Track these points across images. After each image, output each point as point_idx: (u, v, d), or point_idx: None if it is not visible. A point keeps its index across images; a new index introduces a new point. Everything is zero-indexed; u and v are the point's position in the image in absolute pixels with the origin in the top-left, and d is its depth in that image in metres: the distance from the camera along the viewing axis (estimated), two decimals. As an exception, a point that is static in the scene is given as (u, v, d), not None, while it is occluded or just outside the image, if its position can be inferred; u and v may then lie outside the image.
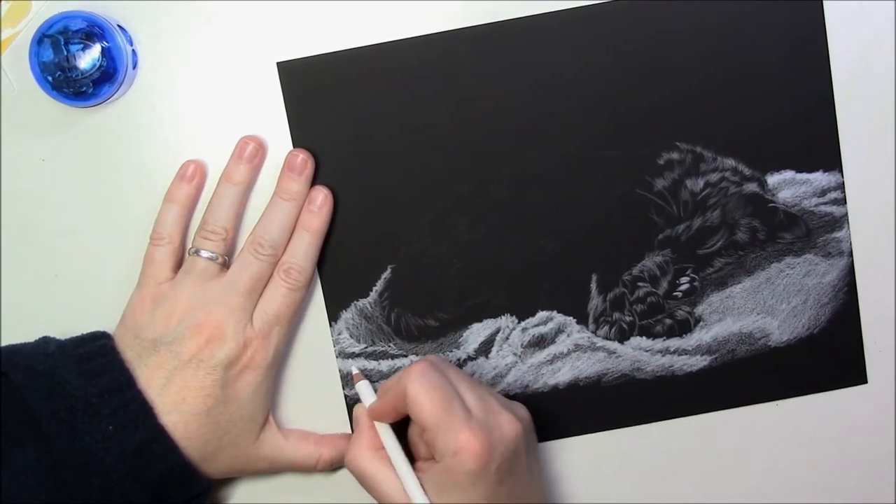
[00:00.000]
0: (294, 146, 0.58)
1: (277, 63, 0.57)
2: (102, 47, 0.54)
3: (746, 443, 0.61)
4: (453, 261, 0.59)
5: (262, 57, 0.57)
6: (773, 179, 0.59)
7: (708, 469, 0.62)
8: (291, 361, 0.59)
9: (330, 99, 0.57)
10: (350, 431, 0.60)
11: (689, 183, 0.59)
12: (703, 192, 0.59)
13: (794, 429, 0.61)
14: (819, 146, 0.59)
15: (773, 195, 0.59)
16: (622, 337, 0.60)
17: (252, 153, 0.56)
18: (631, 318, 0.60)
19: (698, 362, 0.60)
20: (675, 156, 0.59)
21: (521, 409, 0.54)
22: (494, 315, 0.60)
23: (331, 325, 0.59)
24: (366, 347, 0.59)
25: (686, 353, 0.60)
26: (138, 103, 0.58)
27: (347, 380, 0.59)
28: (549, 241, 0.59)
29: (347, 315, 0.59)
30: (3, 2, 0.56)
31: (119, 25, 0.56)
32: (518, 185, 0.59)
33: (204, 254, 0.55)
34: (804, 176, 0.59)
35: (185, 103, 0.58)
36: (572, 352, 0.60)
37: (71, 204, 0.58)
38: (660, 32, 0.58)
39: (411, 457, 0.55)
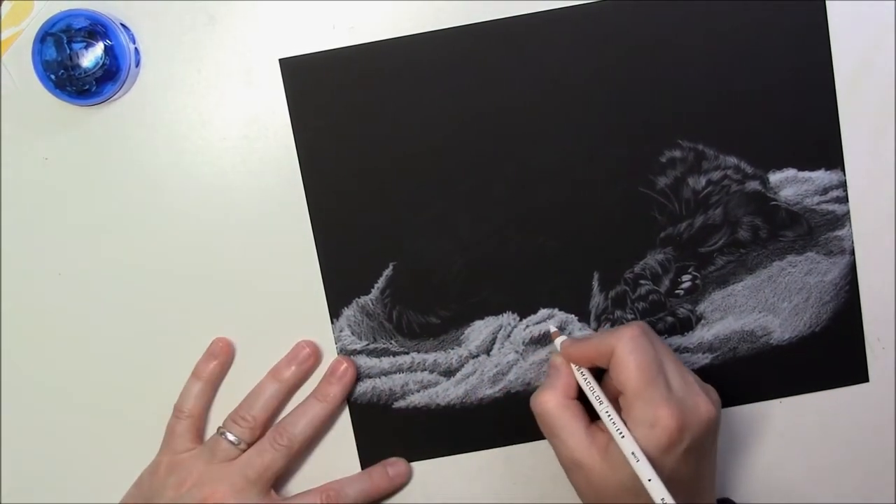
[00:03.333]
0: (296, 143, 0.58)
1: (280, 60, 0.57)
2: (105, 45, 0.54)
3: (747, 441, 0.61)
4: (455, 258, 0.59)
5: (265, 54, 0.57)
6: (775, 177, 0.59)
7: (709, 467, 0.62)
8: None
9: (332, 96, 0.57)
10: (354, 439, 0.60)
11: (691, 181, 0.59)
12: (706, 190, 0.59)
13: (795, 427, 0.61)
14: (821, 144, 0.59)
15: (776, 193, 0.59)
16: (624, 335, 0.60)
17: (305, 358, 0.59)
18: (633, 316, 0.60)
19: (700, 360, 0.60)
20: (677, 154, 0.59)
21: (715, 394, 0.54)
22: (496, 312, 0.60)
23: (332, 322, 0.59)
24: (367, 344, 0.59)
25: (688, 351, 0.60)
26: (141, 101, 0.58)
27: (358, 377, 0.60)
28: (551, 238, 0.59)
29: (349, 312, 0.59)
30: (5, 1, 0.56)
31: (122, 24, 0.56)
32: (520, 182, 0.59)
33: (229, 436, 0.57)
34: (806, 174, 0.59)
35: (188, 101, 0.58)
36: (574, 349, 0.60)
37: (74, 202, 0.58)
38: (662, 30, 0.58)
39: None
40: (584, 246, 0.59)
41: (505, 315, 0.60)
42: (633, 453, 0.49)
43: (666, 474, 0.50)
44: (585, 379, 0.54)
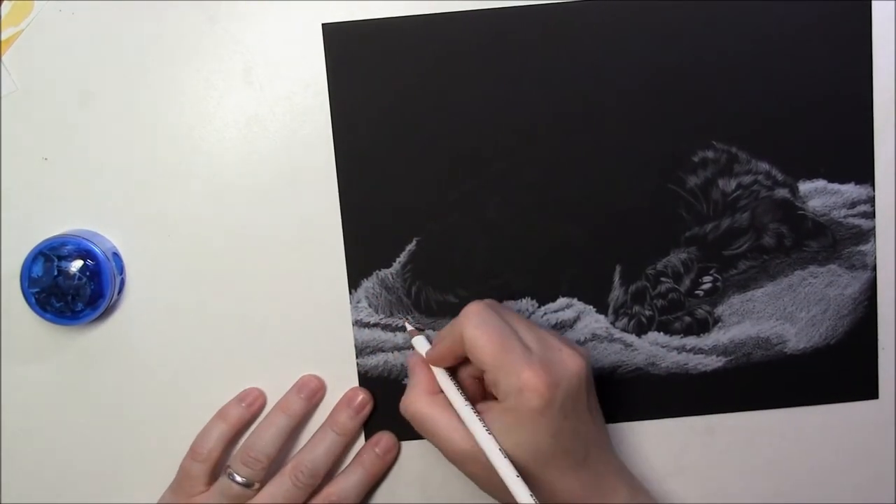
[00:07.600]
0: (332, 109, 0.57)
1: (323, 24, 0.57)
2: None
3: (752, 447, 0.61)
4: (479, 239, 0.59)
5: (265, 54, 0.57)
6: (804, 187, 0.59)
7: (711, 471, 0.62)
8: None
9: (372, 65, 0.57)
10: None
11: (721, 183, 0.59)
12: (735, 194, 0.59)
13: (799, 437, 0.62)
14: (854, 158, 0.59)
15: (804, 203, 0.59)
16: (640, 330, 0.60)
17: (311, 391, 0.58)
18: (650, 313, 0.60)
19: (713, 362, 0.60)
20: (710, 154, 0.59)
21: (582, 348, 0.54)
22: (515, 297, 0.59)
23: (350, 293, 0.59)
24: (383, 318, 0.59)
25: (702, 353, 0.60)
26: (140, 101, 0.57)
27: (361, 349, 0.59)
28: (577, 228, 0.59)
29: (368, 284, 0.59)
30: (5, 1, 0.55)
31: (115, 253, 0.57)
32: (551, 169, 0.58)
33: (239, 479, 0.56)
34: (836, 186, 0.59)
35: (188, 101, 0.57)
36: (589, 341, 0.60)
37: (74, 202, 0.57)
38: (707, 30, 0.58)
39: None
40: (609, 238, 0.59)
41: (524, 300, 0.59)
42: (499, 452, 0.50)
43: (551, 433, 0.50)
44: (442, 379, 0.54)
